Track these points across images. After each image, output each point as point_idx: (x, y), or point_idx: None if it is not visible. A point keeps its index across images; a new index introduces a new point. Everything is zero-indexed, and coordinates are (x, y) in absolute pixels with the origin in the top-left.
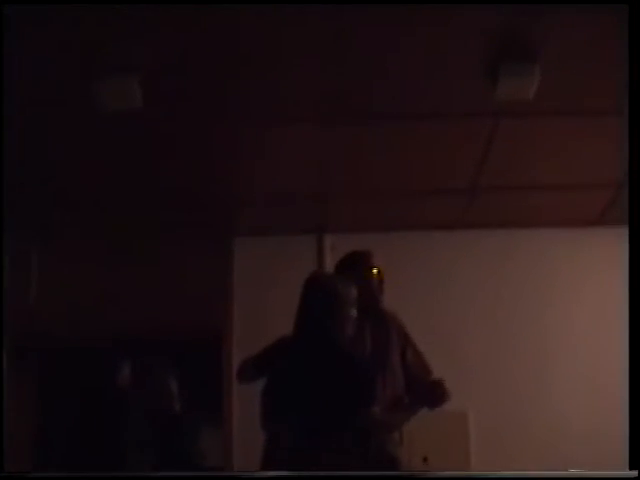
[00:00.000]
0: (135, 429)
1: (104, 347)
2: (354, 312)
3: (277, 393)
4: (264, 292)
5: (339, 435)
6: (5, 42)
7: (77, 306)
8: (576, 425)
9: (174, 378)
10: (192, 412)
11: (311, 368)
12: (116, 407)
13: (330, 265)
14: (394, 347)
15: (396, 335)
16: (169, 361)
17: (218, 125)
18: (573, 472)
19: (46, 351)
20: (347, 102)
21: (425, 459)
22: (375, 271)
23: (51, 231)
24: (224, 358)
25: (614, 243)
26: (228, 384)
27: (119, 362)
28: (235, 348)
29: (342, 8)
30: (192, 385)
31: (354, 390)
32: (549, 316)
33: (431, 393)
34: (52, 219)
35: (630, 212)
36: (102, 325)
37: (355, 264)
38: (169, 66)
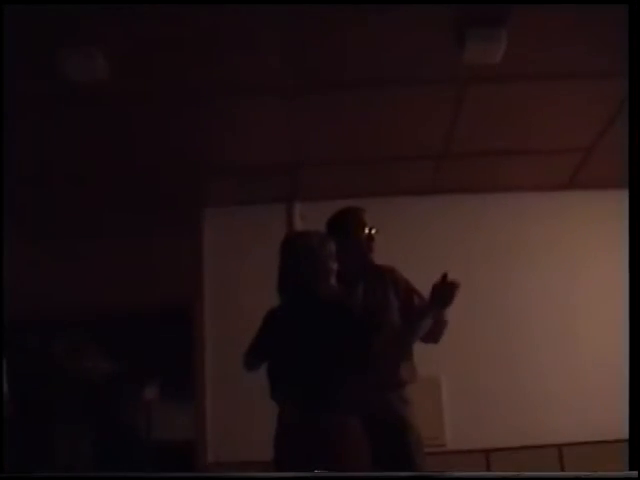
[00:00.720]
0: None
1: (70, 323)
2: (334, 265)
3: (276, 364)
4: (234, 262)
5: (338, 391)
6: None
7: (46, 282)
8: (550, 390)
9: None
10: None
11: (301, 327)
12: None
13: None
14: (392, 300)
15: (394, 288)
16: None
17: (186, 97)
18: (573, 472)
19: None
20: (314, 71)
21: None
22: (367, 228)
23: (14, 207)
24: (195, 330)
25: (584, 207)
26: (200, 356)
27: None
28: (206, 319)
29: None
30: (163, 358)
31: (347, 338)
32: (520, 281)
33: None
34: (15, 195)
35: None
36: (71, 300)
37: (345, 221)
38: (135, 40)
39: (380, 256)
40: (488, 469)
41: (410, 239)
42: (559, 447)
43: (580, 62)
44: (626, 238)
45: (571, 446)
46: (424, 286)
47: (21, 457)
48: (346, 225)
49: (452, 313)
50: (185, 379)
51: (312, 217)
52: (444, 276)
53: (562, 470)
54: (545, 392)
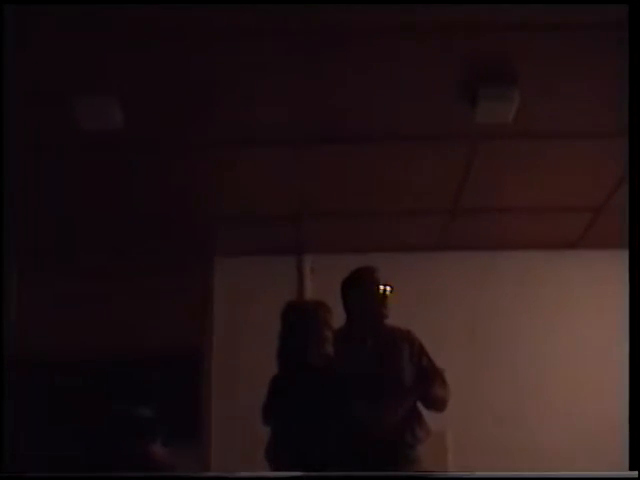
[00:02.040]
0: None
1: (81, 365)
2: (328, 332)
3: (273, 428)
4: (244, 313)
5: (329, 456)
6: None
7: (56, 325)
8: (560, 447)
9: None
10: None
11: (295, 395)
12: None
13: (310, 286)
14: (405, 362)
15: (409, 350)
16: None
17: (197, 147)
18: (574, 473)
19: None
20: (326, 124)
21: None
22: (382, 287)
23: (28, 251)
24: (203, 379)
25: (594, 266)
26: (207, 404)
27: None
28: (214, 369)
29: (316, 31)
30: (170, 405)
31: (332, 402)
32: (528, 338)
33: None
34: (29, 238)
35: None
36: (80, 344)
37: (359, 281)
38: (148, 90)
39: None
40: None
41: (416, 294)
42: None
43: (591, 121)
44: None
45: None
46: (430, 341)
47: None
48: (360, 284)
49: (459, 369)
50: (190, 426)
51: (322, 270)
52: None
53: None
54: (555, 449)
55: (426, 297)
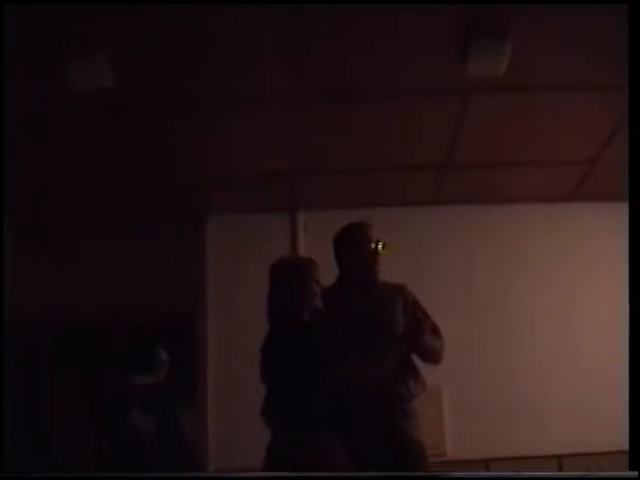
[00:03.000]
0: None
1: (77, 331)
2: (316, 287)
3: (268, 386)
4: (238, 271)
5: (321, 412)
6: None
7: (51, 291)
8: (551, 400)
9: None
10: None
11: (285, 352)
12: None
13: (304, 243)
14: (398, 317)
15: (402, 305)
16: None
17: (189, 106)
18: (574, 473)
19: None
20: (317, 81)
21: None
22: (373, 243)
23: (21, 215)
24: (199, 339)
25: (589, 218)
26: (203, 365)
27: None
28: (209, 328)
29: None
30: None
31: (322, 357)
32: (522, 291)
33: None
34: (22, 203)
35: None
36: (74, 310)
37: (350, 237)
38: (139, 49)
39: (381, 265)
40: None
41: (411, 249)
42: (559, 458)
43: (584, 73)
44: (626, 248)
45: (571, 457)
46: (425, 296)
47: (22, 456)
48: (351, 240)
49: (454, 324)
50: (187, 388)
51: (315, 226)
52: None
53: None
54: (546, 403)
55: (421, 252)
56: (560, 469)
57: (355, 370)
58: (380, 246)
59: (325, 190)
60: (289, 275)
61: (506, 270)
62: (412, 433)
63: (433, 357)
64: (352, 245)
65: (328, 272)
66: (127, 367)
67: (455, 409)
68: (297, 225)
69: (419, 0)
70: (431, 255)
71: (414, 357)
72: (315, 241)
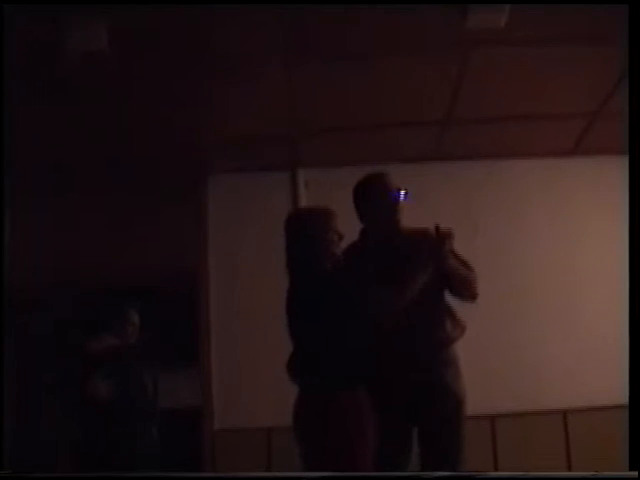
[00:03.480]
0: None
1: (79, 294)
2: (334, 237)
3: (293, 342)
4: (239, 230)
5: (344, 366)
6: None
7: (51, 254)
8: (556, 356)
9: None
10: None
11: (308, 305)
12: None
13: (305, 201)
14: (424, 265)
15: (426, 249)
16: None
17: (188, 66)
18: (574, 473)
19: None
20: (318, 40)
21: None
22: (393, 193)
23: (20, 179)
24: (201, 299)
25: (588, 173)
26: (205, 324)
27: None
28: (212, 288)
29: None
30: (168, 328)
31: (347, 307)
32: (524, 246)
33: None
34: (21, 167)
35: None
36: (76, 272)
37: (369, 188)
38: (135, 9)
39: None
40: (493, 435)
41: (412, 206)
42: (564, 413)
43: (586, 26)
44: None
45: (576, 412)
46: None
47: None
48: (370, 192)
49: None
50: (191, 347)
51: (316, 184)
52: (436, 228)
53: (566, 436)
54: (550, 358)
55: (422, 209)
56: (565, 424)
57: (383, 302)
58: (402, 195)
59: (326, 148)
60: (306, 226)
61: (508, 226)
62: (451, 382)
63: (467, 287)
64: (371, 196)
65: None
66: (88, 331)
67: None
68: (298, 183)
69: None
70: (432, 211)
71: (448, 298)
72: (316, 199)
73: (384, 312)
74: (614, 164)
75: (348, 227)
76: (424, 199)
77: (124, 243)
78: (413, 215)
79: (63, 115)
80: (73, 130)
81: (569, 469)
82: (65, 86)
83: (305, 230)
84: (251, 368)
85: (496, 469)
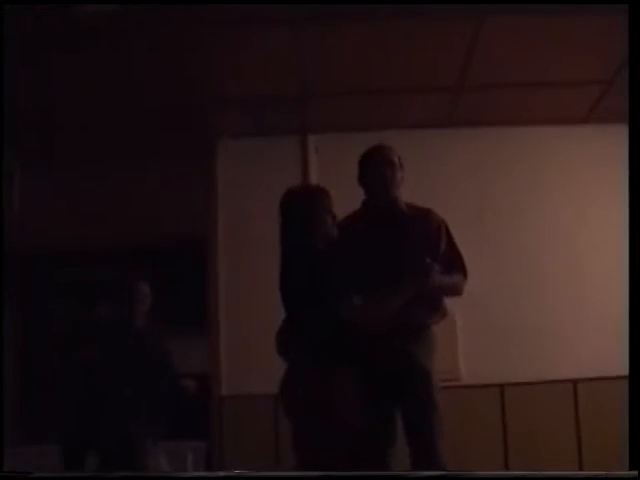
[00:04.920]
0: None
1: (89, 256)
2: (328, 216)
3: (286, 316)
4: (249, 195)
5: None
6: None
7: (61, 216)
8: (566, 325)
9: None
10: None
11: (300, 279)
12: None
13: (315, 166)
14: (416, 244)
15: (425, 231)
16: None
17: (198, 28)
18: (573, 473)
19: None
20: (327, 2)
21: None
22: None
23: (29, 142)
24: (210, 261)
25: (602, 141)
26: (213, 289)
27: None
28: (221, 252)
29: None
30: (177, 292)
31: (329, 286)
32: (534, 215)
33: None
34: (29, 129)
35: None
36: (86, 234)
37: (370, 160)
38: None
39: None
40: (502, 404)
41: (423, 172)
42: (574, 382)
43: None
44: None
45: (586, 381)
46: None
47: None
48: (371, 163)
49: (465, 248)
50: (199, 312)
51: (326, 149)
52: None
53: (576, 404)
54: (561, 327)
55: (433, 174)
56: (575, 393)
57: (362, 310)
58: (399, 174)
59: (336, 113)
60: (299, 205)
61: (519, 193)
62: (421, 359)
63: (448, 294)
64: (372, 168)
65: (339, 195)
66: (93, 298)
67: (469, 335)
68: (308, 148)
69: None
70: (443, 178)
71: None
72: (326, 164)
73: (363, 321)
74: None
75: (357, 193)
76: (434, 165)
77: (133, 209)
78: (424, 180)
79: (68, 76)
80: (80, 93)
81: (578, 439)
82: (70, 47)
83: (297, 209)
84: (259, 335)
85: (504, 437)
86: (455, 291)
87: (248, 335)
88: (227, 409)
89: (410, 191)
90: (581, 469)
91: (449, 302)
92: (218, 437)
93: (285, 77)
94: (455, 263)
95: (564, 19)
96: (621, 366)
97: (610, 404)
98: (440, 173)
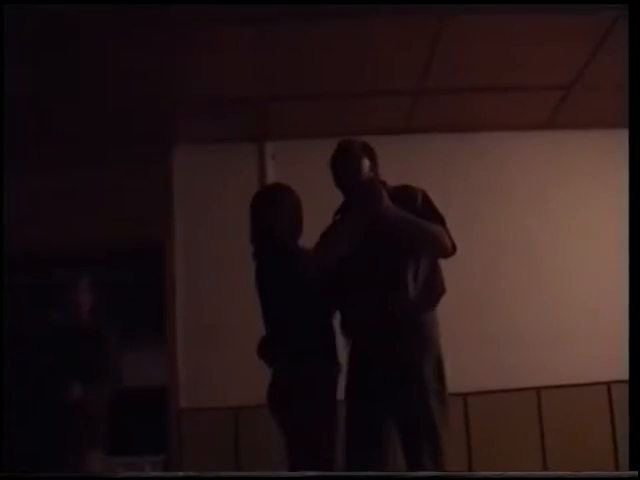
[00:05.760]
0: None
1: (40, 260)
2: (298, 215)
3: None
4: (205, 201)
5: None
6: None
7: (18, 219)
8: (529, 332)
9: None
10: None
11: (275, 281)
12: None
13: (272, 173)
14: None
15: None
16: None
17: (155, 29)
18: (573, 473)
19: None
20: (287, 3)
21: None
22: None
23: None
24: (166, 269)
25: (561, 146)
26: (170, 296)
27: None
28: (177, 258)
29: None
30: (132, 298)
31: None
32: (495, 221)
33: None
34: None
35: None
36: (40, 238)
37: (337, 156)
38: None
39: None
40: (466, 413)
41: (385, 178)
42: (537, 390)
43: None
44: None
45: (550, 389)
46: None
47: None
48: (344, 159)
49: None
50: (156, 323)
51: (283, 156)
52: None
53: (540, 413)
54: (524, 334)
55: (394, 180)
56: (539, 402)
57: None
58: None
59: (293, 118)
60: (270, 205)
61: (480, 198)
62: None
63: (431, 240)
64: (344, 162)
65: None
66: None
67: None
68: (265, 154)
69: None
70: (403, 183)
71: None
72: (283, 171)
73: (324, 262)
74: (587, 137)
75: (315, 200)
76: (394, 171)
77: (89, 212)
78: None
79: (27, 75)
80: (36, 94)
81: (542, 449)
82: (29, 44)
83: (276, 207)
84: (218, 345)
85: (469, 447)
86: (436, 238)
87: (206, 346)
88: (186, 422)
89: None
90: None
91: None
92: (177, 451)
93: (241, 81)
94: (434, 217)
95: (524, 20)
96: (585, 374)
97: (573, 411)
98: (400, 179)
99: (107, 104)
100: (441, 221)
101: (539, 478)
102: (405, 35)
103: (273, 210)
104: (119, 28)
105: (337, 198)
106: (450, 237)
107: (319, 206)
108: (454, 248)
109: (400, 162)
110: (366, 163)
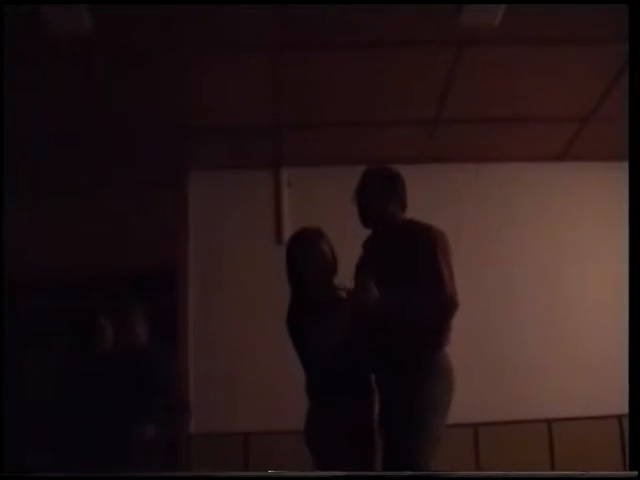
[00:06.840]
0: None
1: (60, 286)
2: (331, 259)
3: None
4: (220, 228)
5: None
6: None
7: (31, 246)
8: (540, 364)
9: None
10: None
11: (301, 322)
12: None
13: (287, 200)
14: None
15: (420, 248)
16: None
17: (172, 57)
18: (573, 473)
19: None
20: (303, 32)
21: None
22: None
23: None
24: (180, 294)
25: (576, 178)
26: (183, 321)
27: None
28: (191, 284)
29: None
30: (148, 322)
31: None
32: (510, 251)
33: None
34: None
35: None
36: (57, 264)
37: (358, 191)
38: None
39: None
40: (476, 443)
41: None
42: (548, 422)
43: (579, 28)
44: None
45: (560, 421)
46: None
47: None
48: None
49: None
50: (169, 345)
51: (299, 183)
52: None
53: (551, 445)
54: (535, 366)
55: (408, 210)
56: (550, 433)
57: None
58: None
59: (310, 146)
60: (316, 245)
61: (494, 229)
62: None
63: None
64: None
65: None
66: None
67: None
68: (281, 181)
69: None
70: (418, 213)
71: None
72: (298, 198)
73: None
74: (602, 170)
75: (331, 229)
76: (409, 200)
77: (103, 238)
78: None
79: (40, 102)
80: (51, 120)
81: None
82: (42, 72)
83: (315, 250)
84: (229, 372)
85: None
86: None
87: (218, 372)
88: (196, 447)
89: None
90: None
91: None
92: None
93: (258, 108)
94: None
95: (541, 52)
96: (597, 406)
97: (584, 444)
98: (414, 208)
99: (124, 130)
100: (438, 276)
101: (540, 478)
102: (421, 65)
103: (307, 259)
104: (136, 55)
105: (351, 226)
106: (448, 294)
107: (335, 234)
108: (453, 303)
109: (414, 191)
110: (388, 195)
